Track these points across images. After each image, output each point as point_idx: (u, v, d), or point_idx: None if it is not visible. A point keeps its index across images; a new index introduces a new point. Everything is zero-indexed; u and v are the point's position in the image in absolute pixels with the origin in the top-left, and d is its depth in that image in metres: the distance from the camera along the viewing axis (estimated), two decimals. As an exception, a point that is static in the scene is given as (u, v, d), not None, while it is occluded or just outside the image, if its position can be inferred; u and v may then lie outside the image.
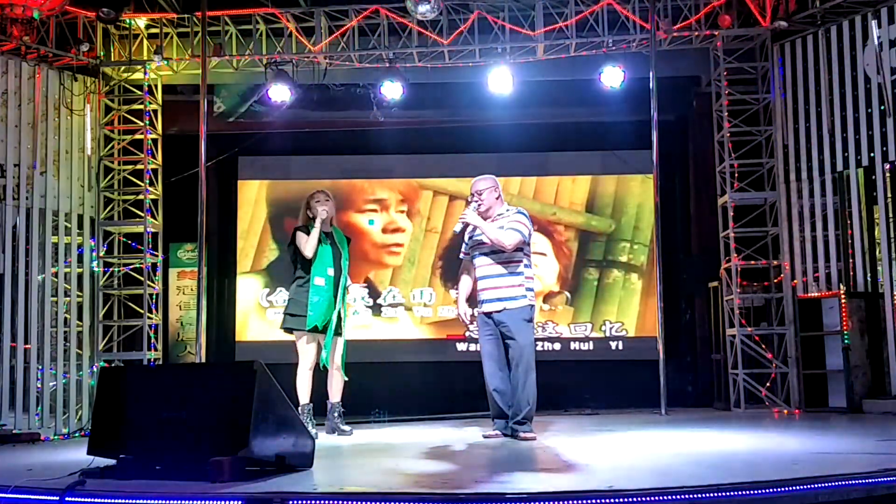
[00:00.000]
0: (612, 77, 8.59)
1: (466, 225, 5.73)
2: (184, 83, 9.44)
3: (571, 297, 10.04)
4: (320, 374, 6.27)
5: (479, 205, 5.76)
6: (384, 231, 10.18)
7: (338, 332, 6.20)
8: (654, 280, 8.41)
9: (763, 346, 8.30)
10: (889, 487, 3.35)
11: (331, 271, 6.16)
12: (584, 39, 8.55)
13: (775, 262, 8.42)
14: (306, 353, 6.16)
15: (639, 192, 10.05)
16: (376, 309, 10.06)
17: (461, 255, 6.01)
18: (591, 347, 9.94)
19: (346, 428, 6.25)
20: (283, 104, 8.92)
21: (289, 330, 6.23)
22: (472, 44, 8.61)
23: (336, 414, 6.27)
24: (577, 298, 10.05)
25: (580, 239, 10.14)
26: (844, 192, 8.10)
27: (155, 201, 8.82)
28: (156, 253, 8.80)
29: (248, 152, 10.25)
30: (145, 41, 8.83)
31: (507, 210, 5.82)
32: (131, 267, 8.75)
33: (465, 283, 5.95)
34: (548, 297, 9.98)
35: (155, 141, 8.88)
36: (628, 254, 10.09)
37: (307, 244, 6.14)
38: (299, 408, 6.04)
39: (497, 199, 5.81)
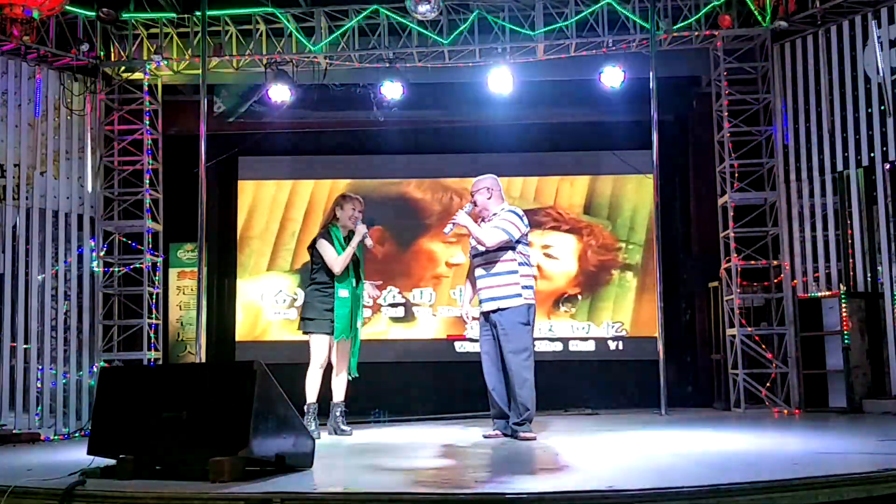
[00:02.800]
0: (612, 77, 8.59)
1: (455, 226, 5.74)
2: (184, 83, 9.44)
3: (577, 298, 10.05)
4: (325, 373, 6.29)
5: (474, 206, 5.78)
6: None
7: (352, 335, 6.27)
8: (654, 280, 8.40)
9: (763, 346, 8.30)
10: (889, 487, 3.35)
11: (354, 281, 6.20)
12: (584, 39, 8.55)
13: (775, 262, 8.42)
14: (319, 353, 6.18)
15: (634, 193, 10.05)
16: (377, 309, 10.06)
17: (469, 257, 6.04)
18: (592, 347, 9.94)
19: (347, 428, 6.26)
20: (283, 104, 8.92)
21: (308, 332, 6.24)
22: (472, 44, 8.61)
23: (338, 413, 6.29)
24: (577, 299, 10.05)
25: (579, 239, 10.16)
26: (844, 192, 8.10)
27: (155, 201, 8.82)
28: (156, 253, 8.80)
29: (248, 152, 10.25)
30: (145, 41, 8.83)
31: (503, 209, 5.83)
32: (131, 267, 8.75)
33: (473, 282, 5.98)
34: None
35: (155, 141, 8.88)
36: (623, 253, 10.09)
37: (337, 262, 6.09)
38: (305, 406, 6.08)
39: (490, 199, 5.81)
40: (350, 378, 6.34)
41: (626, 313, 9.98)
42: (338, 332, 6.11)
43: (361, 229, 6.14)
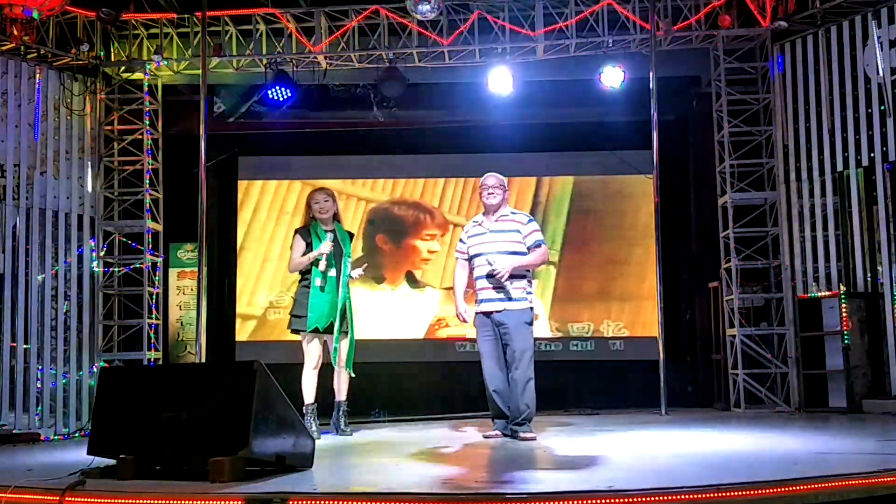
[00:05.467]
0: (612, 77, 8.59)
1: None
2: (184, 83, 9.44)
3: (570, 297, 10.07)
4: (327, 372, 6.28)
5: (491, 195, 5.76)
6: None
7: (344, 331, 6.20)
8: (654, 280, 8.40)
9: (763, 346, 8.31)
10: (889, 487, 3.35)
11: (332, 272, 6.16)
12: (584, 39, 8.55)
13: (775, 262, 8.42)
14: (311, 353, 6.17)
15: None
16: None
17: (456, 255, 6.03)
18: (592, 347, 9.94)
19: (347, 429, 6.26)
20: (283, 104, 8.93)
21: (294, 331, 6.27)
22: (472, 44, 8.61)
23: (340, 412, 6.29)
24: (578, 299, 10.06)
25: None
26: (844, 192, 8.10)
27: (155, 201, 8.82)
28: (156, 253, 8.80)
29: (248, 152, 10.25)
30: (145, 41, 8.83)
31: (513, 213, 5.85)
32: (131, 267, 8.75)
33: (462, 281, 5.97)
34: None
35: (155, 141, 8.88)
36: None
37: (291, 264, 6.28)
38: (304, 407, 6.06)
39: (505, 198, 5.85)
40: (351, 376, 6.31)
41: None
42: (310, 323, 6.08)
43: (324, 248, 6.12)
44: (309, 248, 6.20)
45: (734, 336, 8.32)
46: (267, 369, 3.89)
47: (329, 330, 6.16)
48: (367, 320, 9.89)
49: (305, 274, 6.22)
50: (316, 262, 6.13)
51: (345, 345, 6.24)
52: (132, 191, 8.78)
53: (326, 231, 6.24)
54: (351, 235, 6.50)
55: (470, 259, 5.87)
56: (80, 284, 8.44)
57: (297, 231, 6.35)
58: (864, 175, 8.01)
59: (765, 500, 3.16)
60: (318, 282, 6.13)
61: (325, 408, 6.28)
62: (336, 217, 6.39)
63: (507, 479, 3.84)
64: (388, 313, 10.04)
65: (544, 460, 4.55)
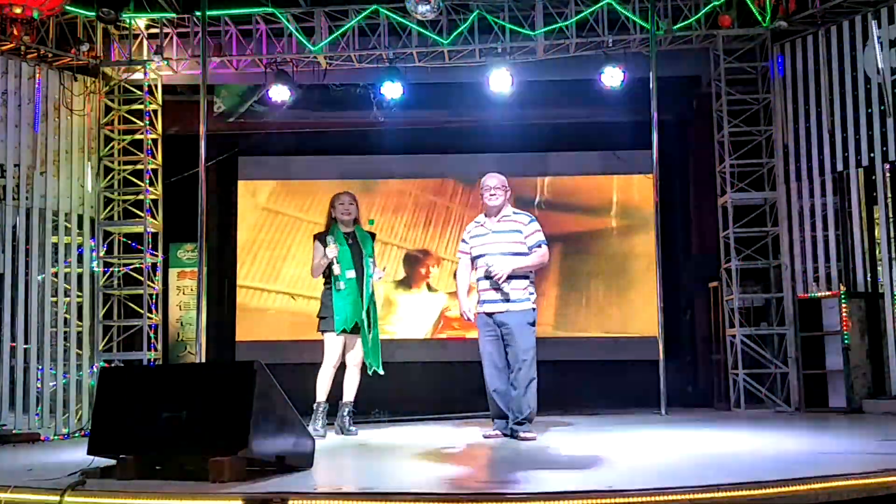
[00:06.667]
0: (612, 77, 8.59)
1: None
2: (184, 83, 9.43)
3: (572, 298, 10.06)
4: (341, 374, 6.32)
5: (493, 197, 5.75)
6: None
7: (369, 330, 6.27)
8: (654, 280, 8.40)
9: (763, 346, 8.30)
10: (889, 487, 3.35)
11: (351, 273, 6.20)
12: (584, 39, 8.55)
13: (775, 262, 8.42)
14: (331, 352, 6.24)
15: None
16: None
17: (458, 254, 6.02)
18: (591, 347, 9.93)
19: (353, 428, 6.29)
20: (283, 104, 8.93)
21: (321, 331, 6.33)
22: (472, 44, 8.61)
23: (346, 413, 6.32)
24: (578, 299, 10.05)
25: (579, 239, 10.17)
26: (844, 192, 8.10)
27: (155, 201, 8.82)
28: (156, 253, 8.80)
29: (248, 152, 10.25)
30: (145, 41, 8.83)
31: (515, 213, 5.84)
32: (131, 267, 8.75)
33: (465, 281, 5.96)
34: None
35: (155, 141, 8.88)
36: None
37: (313, 267, 6.31)
38: (315, 405, 6.13)
39: (507, 199, 5.84)
40: (374, 374, 6.37)
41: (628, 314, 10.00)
42: (337, 325, 6.17)
43: (329, 252, 6.15)
44: None
45: (734, 336, 8.32)
46: (267, 369, 3.89)
47: (355, 330, 6.24)
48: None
49: (330, 277, 6.27)
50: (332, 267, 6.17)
51: (360, 345, 6.30)
52: (132, 191, 8.78)
53: (344, 233, 6.28)
54: (372, 236, 6.51)
55: (473, 259, 5.87)
56: (80, 284, 8.44)
57: (315, 237, 6.39)
58: (864, 175, 8.01)
59: (765, 500, 3.16)
60: (339, 285, 6.18)
61: (331, 407, 6.29)
62: (356, 220, 6.41)
63: (507, 479, 3.84)
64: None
65: (544, 460, 4.55)
